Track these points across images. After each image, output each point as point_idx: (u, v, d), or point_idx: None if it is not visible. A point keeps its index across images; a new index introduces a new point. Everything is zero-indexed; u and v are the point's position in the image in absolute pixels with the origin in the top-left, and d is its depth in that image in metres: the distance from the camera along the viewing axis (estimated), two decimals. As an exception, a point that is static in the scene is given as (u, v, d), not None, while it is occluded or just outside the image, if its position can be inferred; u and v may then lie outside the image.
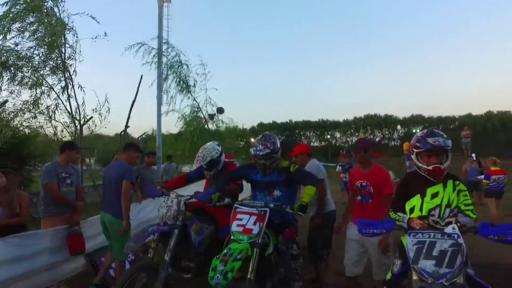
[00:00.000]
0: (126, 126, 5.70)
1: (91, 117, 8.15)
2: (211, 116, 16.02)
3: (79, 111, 6.24)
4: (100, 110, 6.44)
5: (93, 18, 6.25)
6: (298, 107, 63.71)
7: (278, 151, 3.03)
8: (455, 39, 65.82)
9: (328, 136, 40.02)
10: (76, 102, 6.21)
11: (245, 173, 3.24)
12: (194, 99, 8.36)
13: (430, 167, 2.17)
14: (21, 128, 6.80)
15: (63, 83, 6.07)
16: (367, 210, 3.08)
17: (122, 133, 10.88)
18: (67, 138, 6.82)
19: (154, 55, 7.60)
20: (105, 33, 6.60)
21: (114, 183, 3.47)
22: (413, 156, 2.30)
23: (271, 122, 39.71)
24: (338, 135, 39.28)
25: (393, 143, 35.00)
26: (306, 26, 75.24)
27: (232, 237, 2.57)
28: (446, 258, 1.75)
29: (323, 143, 38.94)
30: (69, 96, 6.09)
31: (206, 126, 8.67)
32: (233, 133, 11.94)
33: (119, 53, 7.87)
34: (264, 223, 2.56)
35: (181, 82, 8.06)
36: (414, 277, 1.80)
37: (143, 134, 14.71)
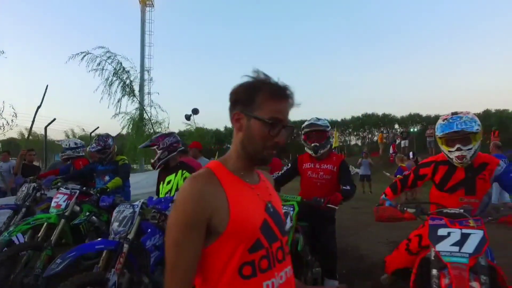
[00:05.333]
0: (31, 127, 6.70)
1: (54, 119, 9.24)
2: (188, 117, 16.91)
3: None
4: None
5: None
6: (296, 107, 63.89)
7: (109, 147, 3.87)
8: (453, 39, 64.23)
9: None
10: None
11: (92, 167, 4.06)
12: (140, 102, 9.15)
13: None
14: None
15: None
16: None
17: (91, 134, 11.94)
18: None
19: (99, 63, 8.44)
20: (3, 51, 7.36)
21: None
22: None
23: (269, 121, 40.30)
24: (336, 134, 39.51)
25: (391, 142, 34.96)
26: (305, 26, 75.26)
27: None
28: (124, 221, 2.48)
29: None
30: None
31: (151, 128, 9.48)
32: (196, 133, 12.82)
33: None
34: (72, 201, 3.34)
35: (126, 86, 8.89)
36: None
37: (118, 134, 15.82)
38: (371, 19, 68.26)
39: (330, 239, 2.77)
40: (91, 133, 11.80)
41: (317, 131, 2.88)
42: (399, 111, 46.46)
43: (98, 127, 11.64)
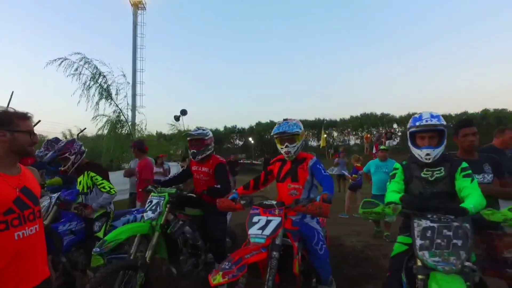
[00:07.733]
0: None
1: (39, 121, 10.05)
2: (177, 118, 17.49)
3: None
4: None
5: None
6: (295, 107, 64.14)
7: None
8: (451, 38, 63.32)
9: (325, 135, 40.40)
10: None
11: (40, 166, 4.60)
12: (117, 105, 9.68)
13: None
14: None
15: None
16: None
17: (78, 135, 12.60)
18: None
19: (76, 69, 8.96)
20: None
21: None
22: None
23: (268, 121, 40.76)
24: (335, 134, 39.64)
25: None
26: (303, 27, 75.24)
27: None
28: (42, 209, 3.01)
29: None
30: None
31: (129, 130, 9.96)
32: (178, 135, 13.39)
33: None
34: None
35: (103, 90, 9.39)
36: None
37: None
38: (371, 19, 68.00)
39: (216, 228, 3.24)
40: (78, 134, 12.40)
41: (196, 140, 3.33)
42: (398, 111, 46.18)
43: (85, 128, 12.29)
